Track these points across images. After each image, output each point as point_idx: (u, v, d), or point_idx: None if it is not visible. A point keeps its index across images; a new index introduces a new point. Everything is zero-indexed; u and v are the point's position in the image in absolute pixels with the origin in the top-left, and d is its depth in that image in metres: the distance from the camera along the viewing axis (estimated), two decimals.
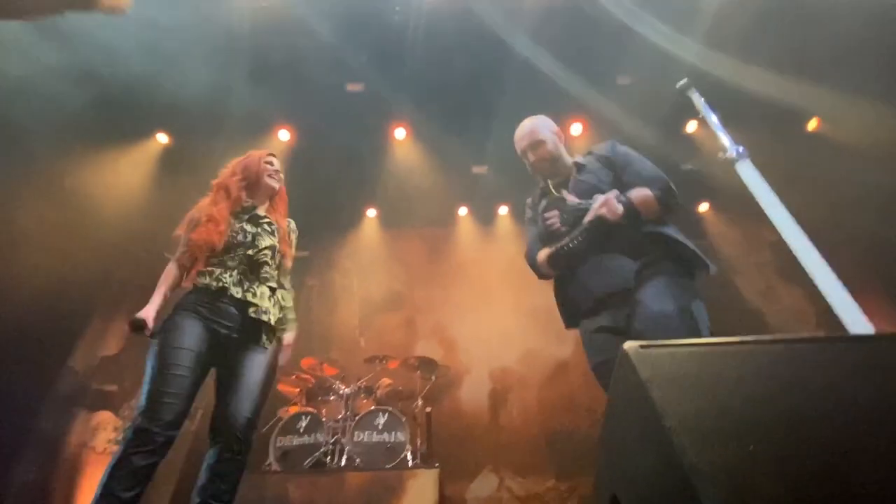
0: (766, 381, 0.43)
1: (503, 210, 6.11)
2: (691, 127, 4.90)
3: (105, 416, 4.64)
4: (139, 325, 1.61)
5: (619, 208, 1.48)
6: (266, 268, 1.82)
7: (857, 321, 1.06)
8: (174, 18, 3.69)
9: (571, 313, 1.71)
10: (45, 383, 4.45)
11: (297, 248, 2.13)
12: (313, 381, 4.05)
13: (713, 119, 1.52)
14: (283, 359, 1.87)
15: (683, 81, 1.62)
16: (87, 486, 4.22)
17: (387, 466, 3.29)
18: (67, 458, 4.36)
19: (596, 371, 1.56)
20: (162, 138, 4.93)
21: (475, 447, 4.59)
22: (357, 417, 3.57)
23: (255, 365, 1.70)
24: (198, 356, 1.60)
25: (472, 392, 5.00)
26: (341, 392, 3.81)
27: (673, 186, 1.58)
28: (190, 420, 4.85)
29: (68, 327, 4.59)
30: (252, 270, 1.78)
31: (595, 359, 1.56)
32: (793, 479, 0.36)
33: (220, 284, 1.70)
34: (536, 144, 1.83)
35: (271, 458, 3.52)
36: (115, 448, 4.66)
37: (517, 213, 6.11)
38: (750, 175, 1.34)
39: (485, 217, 6.12)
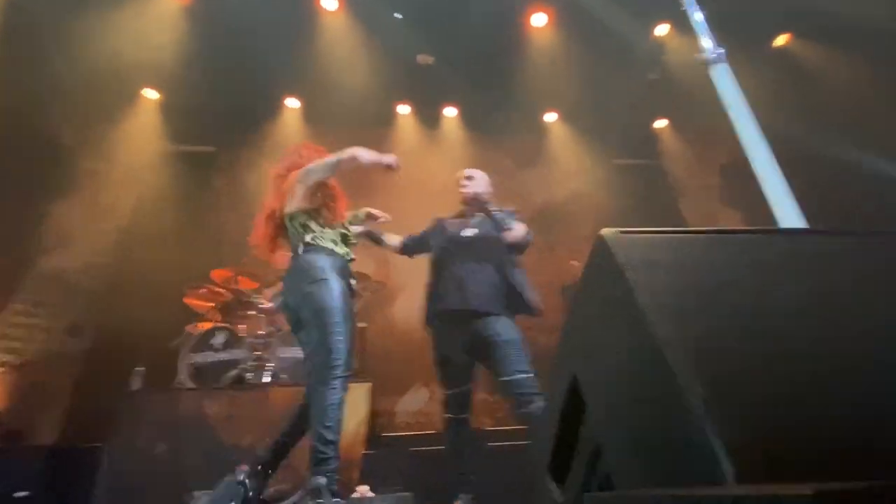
0: (738, 267, 0.48)
1: (451, 112, 5.92)
2: (662, 29, 4.88)
3: None
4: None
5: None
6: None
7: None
8: None
9: None
10: None
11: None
12: (229, 295, 3.96)
13: (697, 16, 1.51)
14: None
15: None
16: None
17: None
18: None
19: None
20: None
21: (408, 364, 4.89)
22: (281, 332, 3.61)
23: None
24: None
25: (407, 310, 5.20)
26: (262, 306, 3.78)
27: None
28: (79, 339, 4.67)
29: None
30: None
31: None
32: (759, 351, 0.41)
33: (333, 247, 2.36)
34: None
35: (183, 376, 3.51)
36: None
37: (468, 117, 5.94)
38: (723, 80, 1.38)
39: (429, 118, 5.91)
